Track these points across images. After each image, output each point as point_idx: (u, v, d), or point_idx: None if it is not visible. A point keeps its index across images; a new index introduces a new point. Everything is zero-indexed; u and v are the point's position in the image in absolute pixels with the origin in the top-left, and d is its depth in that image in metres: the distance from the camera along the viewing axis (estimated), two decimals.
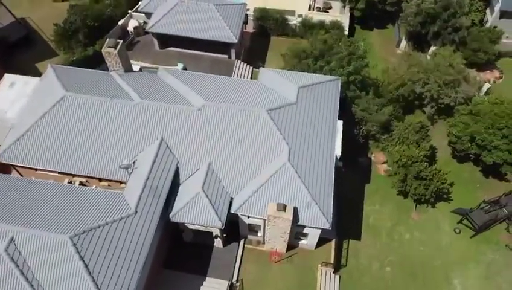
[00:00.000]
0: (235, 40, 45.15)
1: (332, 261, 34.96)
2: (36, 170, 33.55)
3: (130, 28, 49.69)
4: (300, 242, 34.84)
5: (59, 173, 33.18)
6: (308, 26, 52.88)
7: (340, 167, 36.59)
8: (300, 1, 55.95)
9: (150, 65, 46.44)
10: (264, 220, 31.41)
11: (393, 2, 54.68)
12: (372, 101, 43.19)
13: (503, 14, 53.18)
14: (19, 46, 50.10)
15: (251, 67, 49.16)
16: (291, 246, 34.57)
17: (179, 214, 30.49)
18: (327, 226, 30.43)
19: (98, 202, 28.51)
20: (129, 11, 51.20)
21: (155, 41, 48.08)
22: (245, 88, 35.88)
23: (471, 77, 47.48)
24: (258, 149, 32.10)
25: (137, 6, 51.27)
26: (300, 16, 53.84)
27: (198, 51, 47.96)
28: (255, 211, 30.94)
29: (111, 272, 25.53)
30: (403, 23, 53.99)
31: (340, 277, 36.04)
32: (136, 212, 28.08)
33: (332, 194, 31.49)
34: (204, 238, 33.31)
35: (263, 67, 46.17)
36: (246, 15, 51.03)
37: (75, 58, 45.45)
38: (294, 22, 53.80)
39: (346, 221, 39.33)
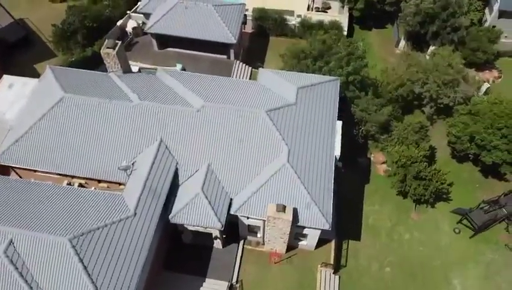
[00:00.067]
0: (233, 41, 45.10)
1: (332, 262, 34.94)
2: (35, 171, 33.43)
3: (129, 28, 49.59)
4: (300, 243, 34.80)
5: (58, 174, 33.08)
6: (307, 27, 52.85)
7: (340, 167, 36.57)
8: (299, 1, 55.87)
9: (148, 66, 46.35)
10: (264, 221, 31.38)
11: (392, 1, 54.73)
12: (372, 102, 43.18)
13: (502, 14, 53.22)
14: (17, 47, 49.98)
15: (250, 68, 49.12)
16: (291, 246, 34.53)
17: (178, 215, 30.43)
18: (327, 227, 30.40)
19: (97, 203, 28.44)
20: (128, 12, 51.14)
21: (154, 42, 48.00)
22: (244, 89, 35.85)
23: (470, 77, 47.51)
24: (257, 150, 32.06)
25: (136, 6, 51.25)
26: (299, 16, 53.79)
27: (197, 51, 47.89)
28: (255, 212, 30.90)
29: (110, 274, 25.46)
30: (401, 23, 54.01)
31: (339, 277, 36.02)
32: (135, 213, 28.00)
33: (332, 194, 31.45)
34: (203, 239, 33.25)
35: (262, 67, 46.17)
36: (245, 15, 50.98)
37: (73, 59, 45.40)
38: (293, 22, 53.75)
39: (346, 221, 39.33)
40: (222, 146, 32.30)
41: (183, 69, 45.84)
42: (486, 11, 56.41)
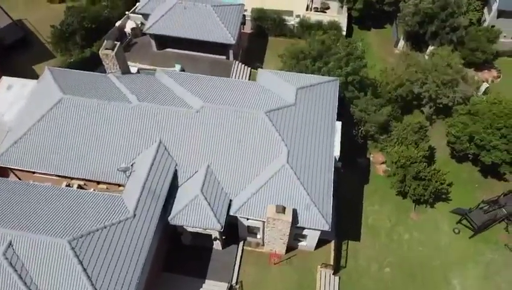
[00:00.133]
0: (232, 41, 45.06)
1: (331, 263, 34.93)
2: (34, 173, 33.42)
3: (128, 29, 49.55)
4: (299, 244, 34.78)
5: (57, 176, 33.02)
6: (306, 27, 52.84)
7: (339, 167, 36.52)
8: (298, 1, 55.83)
9: (147, 66, 46.30)
10: (263, 222, 31.36)
11: (391, 1, 54.73)
12: (371, 102, 43.16)
13: (501, 14, 53.30)
14: (15, 48, 49.86)
15: (249, 68, 49.12)
16: (291, 247, 34.52)
17: (178, 216, 30.38)
18: (326, 227, 30.37)
19: (96, 205, 28.40)
20: (126, 13, 51.06)
21: (153, 43, 47.97)
22: (243, 90, 35.81)
23: (470, 77, 47.49)
24: (256, 151, 32.02)
25: (134, 7, 51.18)
26: (298, 16, 53.77)
27: (196, 52, 47.88)
28: (254, 213, 30.87)
29: (110, 275, 25.42)
30: (400, 23, 54.02)
31: (339, 278, 36.03)
32: (135, 215, 27.96)
33: (332, 195, 31.42)
34: (203, 240, 33.22)
35: (261, 68, 46.16)
36: (244, 15, 50.94)
37: (72, 60, 45.29)
38: (292, 22, 53.75)
39: (346, 222, 39.29)
40: (221, 147, 32.25)
41: (182, 69, 45.79)
42: (485, 10, 56.46)
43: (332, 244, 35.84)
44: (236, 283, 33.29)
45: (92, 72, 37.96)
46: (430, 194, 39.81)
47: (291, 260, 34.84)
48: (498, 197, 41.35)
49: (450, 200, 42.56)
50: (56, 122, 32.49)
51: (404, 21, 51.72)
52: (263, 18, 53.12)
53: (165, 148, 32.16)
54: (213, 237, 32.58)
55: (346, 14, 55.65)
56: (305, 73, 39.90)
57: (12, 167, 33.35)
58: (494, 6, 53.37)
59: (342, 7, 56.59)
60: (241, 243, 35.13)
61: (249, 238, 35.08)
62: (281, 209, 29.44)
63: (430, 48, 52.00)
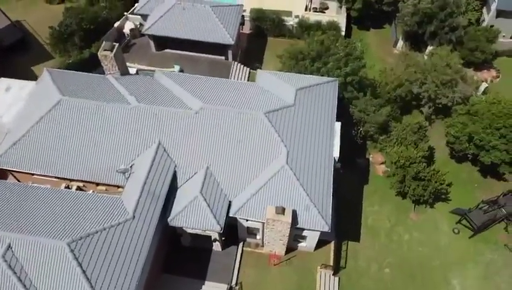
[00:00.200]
0: (231, 42, 44.99)
1: (331, 263, 34.89)
2: (33, 174, 33.32)
3: (126, 30, 49.46)
4: (299, 245, 34.74)
5: (56, 177, 32.94)
6: (305, 27, 52.76)
7: (339, 168, 36.49)
8: (297, 1, 55.79)
9: (146, 67, 46.22)
10: (263, 223, 31.30)
11: (390, 1, 54.66)
12: (370, 102, 43.12)
13: (500, 13, 53.32)
14: (14, 50, 49.78)
15: (248, 69, 49.05)
16: (290, 248, 34.47)
17: (177, 218, 30.33)
18: (326, 228, 30.33)
19: (95, 207, 28.34)
20: (125, 13, 50.97)
21: (151, 44, 47.88)
22: (242, 90, 35.77)
23: (469, 77, 47.45)
24: (256, 152, 31.98)
25: (133, 8, 51.10)
26: (297, 16, 53.72)
27: (195, 52, 47.79)
28: (254, 214, 30.81)
29: (109, 277, 25.37)
30: (399, 23, 53.98)
31: (339, 278, 36.00)
32: (134, 217, 27.91)
33: (331, 196, 31.38)
34: (202, 241, 33.16)
35: (260, 68, 46.12)
36: (243, 16, 50.95)
37: (71, 61, 45.20)
38: (291, 22, 53.69)
39: (345, 222, 39.25)
40: (221, 148, 32.21)
41: (181, 70, 45.73)
42: (484, 10, 56.47)
43: (332, 245, 35.81)
44: (236, 284, 33.24)
45: (90, 74, 37.89)
46: (429, 194, 39.80)
47: (291, 260, 34.80)
48: (497, 197, 41.32)
49: (450, 201, 42.56)
50: (55, 123, 32.43)
51: (403, 21, 51.70)
52: (262, 18, 53.05)
53: (164, 150, 32.10)
54: (213, 239, 32.53)
55: (345, 14, 55.61)
56: (304, 73, 39.84)
57: (11, 169, 33.24)
58: (493, 6, 53.37)
59: (340, 7, 56.53)
60: (240, 244, 35.08)
61: (248, 239, 35.03)
62: (281, 211, 29.40)
63: (429, 48, 51.99)
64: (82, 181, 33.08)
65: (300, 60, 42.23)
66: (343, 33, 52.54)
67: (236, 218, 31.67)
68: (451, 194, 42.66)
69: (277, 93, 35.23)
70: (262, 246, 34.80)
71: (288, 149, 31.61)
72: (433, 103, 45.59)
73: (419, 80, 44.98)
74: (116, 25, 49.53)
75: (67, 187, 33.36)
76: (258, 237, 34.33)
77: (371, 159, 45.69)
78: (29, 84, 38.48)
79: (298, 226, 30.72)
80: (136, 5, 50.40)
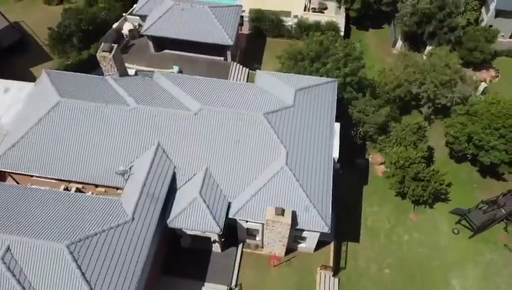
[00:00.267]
0: (230, 42, 44.95)
1: (331, 264, 34.85)
2: (32, 176, 33.23)
3: (125, 31, 49.38)
4: (299, 245, 34.70)
5: (55, 179, 32.86)
6: (303, 27, 52.70)
7: (338, 168, 36.47)
8: (296, 2, 55.75)
9: (145, 68, 46.13)
10: (263, 224, 31.24)
11: (388, 2, 54.62)
12: (369, 103, 43.08)
13: (499, 13, 53.27)
14: (12, 51, 49.69)
15: (247, 69, 49.00)
16: (290, 249, 34.43)
17: (177, 219, 30.26)
18: (326, 229, 30.29)
19: (94, 208, 28.26)
20: (124, 14, 50.87)
21: (150, 44, 47.82)
22: (242, 91, 35.72)
23: (468, 77, 47.40)
24: (255, 153, 31.94)
25: (132, 9, 51.04)
26: (295, 16, 53.67)
27: (194, 53, 47.71)
28: (253, 215, 30.76)
29: (109, 279, 25.31)
30: (398, 23, 53.96)
31: (339, 279, 35.96)
32: (133, 218, 27.85)
33: (331, 197, 31.33)
34: (202, 243, 33.10)
35: (259, 69, 46.02)
36: (241, 16, 50.86)
37: (69, 62, 45.15)
38: (290, 23, 53.64)
39: (345, 223, 39.20)
40: (220, 149, 32.16)
41: (180, 71, 45.68)
42: (483, 10, 56.46)
43: (331, 245, 35.76)
44: (236, 286, 33.20)
45: (89, 75, 37.84)
46: (429, 194, 39.78)
47: (291, 261, 34.76)
48: (497, 197, 41.27)
49: (449, 201, 42.55)
50: (54, 125, 32.36)
51: (402, 21, 51.67)
52: (261, 19, 52.99)
53: (164, 151, 32.04)
54: (212, 240, 32.48)
55: (344, 15, 55.57)
56: (304, 74, 39.82)
57: (9, 171, 33.16)
58: (492, 6, 53.35)
59: (339, 7, 56.48)
60: (240, 246, 35.02)
61: (248, 241, 34.98)
62: (280, 212, 29.34)
63: (428, 48, 51.99)
64: (81, 183, 32.99)
65: (300, 60, 42.20)
66: (342, 33, 52.47)
67: (235, 219, 31.61)
68: (450, 195, 42.66)
69: (276, 94, 35.19)
70: (262, 247, 34.76)
71: (287, 150, 31.57)
72: (432, 103, 45.58)
73: (418, 80, 44.98)
74: (115, 25, 49.45)
75: (66, 189, 33.27)
76: (258, 238, 34.28)
77: (370, 159, 45.67)
78: (27, 86, 38.48)
79: (298, 227, 30.66)
80: (134, 5, 50.32)
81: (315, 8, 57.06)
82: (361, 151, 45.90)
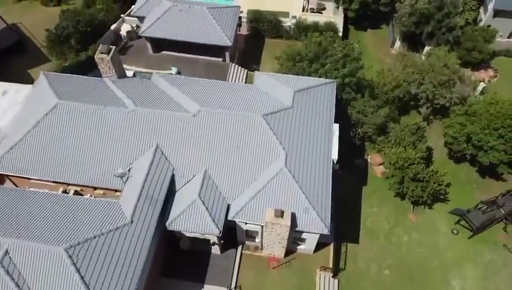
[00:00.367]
0: (229, 43, 44.88)
1: (331, 266, 34.78)
2: (30, 179, 33.10)
3: (123, 32, 49.30)
4: (298, 247, 34.64)
5: (53, 182, 32.74)
6: (302, 28, 52.66)
7: (337, 169, 36.42)
8: (294, 2, 55.70)
9: (143, 70, 46.06)
10: (262, 226, 31.17)
11: (387, 2, 54.61)
12: (368, 103, 43.06)
13: (497, 13, 53.28)
14: (10, 53, 49.55)
15: (246, 70, 48.94)
16: (290, 251, 34.37)
17: (176, 222, 30.17)
18: (325, 231, 30.22)
19: (93, 211, 28.19)
20: (122, 15, 50.81)
21: (148, 46, 47.74)
22: (240, 93, 35.67)
23: (466, 77, 47.43)
24: (254, 155, 31.86)
25: (129, 10, 50.93)
26: (294, 17, 53.63)
27: (192, 54, 47.67)
28: (253, 217, 30.68)
29: (108, 283, 25.23)
30: (397, 24, 53.94)
31: (338, 281, 35.90)
32: (132, 221, 27.77)
33: (330, 199, 31.25)
34: (201, 245, 33.03)
35: (258, 70, 46.02)
36: (240, 17, 50.78)
37: (67, 63, 45.10)
38: (289, 23, 53.60)
39: (344, 224, 39.15)
40: (219, 151, 32.08)
41: (178, 72, 45.60)
42: (481, 10, 56.47)
43: (331, 247, 35.69)
44: (235, 287, 33.13)
45: (87, 77, 37.80)
46: (428, 195, 39.74)
47: (290, 263, 34.70)
48: (496, 197, 41.21)
49: (449, 201, 42.53)
50: (52, 128, 32.27)
51: (401, 21, 51.67)
52: (259, 19, 52.97)
53: (162, 153, 31.96)
54: (211, 242, 32.41)
55: (342, 15, 55.55)
56: (302, 75, 39.80)
57: (7, 174, 33.04)
58: (490, 6, 53.35)
59: (337, 8, 56.48)
60: (239, 247, 34.94)
61: (247, 242, 34.89)
62: (280, 213, 29.28)
63: (427, 48, 51.99)
64: (79, 185, 32.88)
65: (298, 61, 42.14)
66: (340, 34, 52.46)
67: (235, 221, 31.53)
68: (450, 195, 42.64)
69: (275, 95, 35.12)
70: (262, 249, 34.68)
71: (286, 152, 31.50)
72: (431, 104, 45.57)
73: (417, 80, 44.96)
74: (112, 27, 49.38)
75: (65, 192, 33.13)
76: (257, 240, 34.21)
77: (369, 160, 45.62)
78: (25, 88, 38.23)
79: (297, 229, 30.60)
80: (132, 7, 50.21)
81: (313, 9, 57.07)
82: (360, 152, 45.86)
